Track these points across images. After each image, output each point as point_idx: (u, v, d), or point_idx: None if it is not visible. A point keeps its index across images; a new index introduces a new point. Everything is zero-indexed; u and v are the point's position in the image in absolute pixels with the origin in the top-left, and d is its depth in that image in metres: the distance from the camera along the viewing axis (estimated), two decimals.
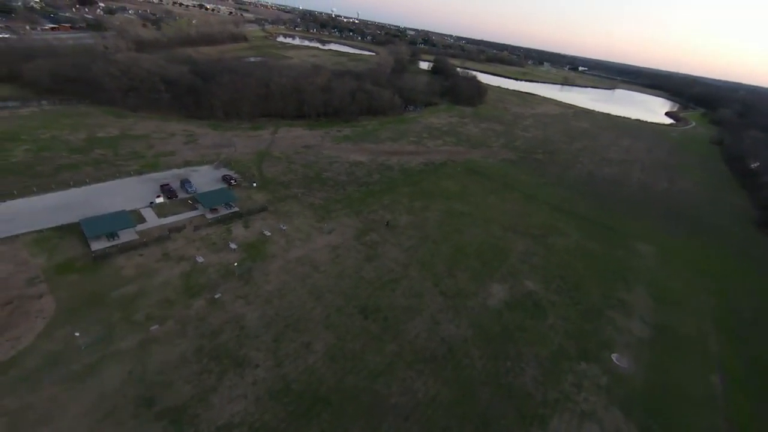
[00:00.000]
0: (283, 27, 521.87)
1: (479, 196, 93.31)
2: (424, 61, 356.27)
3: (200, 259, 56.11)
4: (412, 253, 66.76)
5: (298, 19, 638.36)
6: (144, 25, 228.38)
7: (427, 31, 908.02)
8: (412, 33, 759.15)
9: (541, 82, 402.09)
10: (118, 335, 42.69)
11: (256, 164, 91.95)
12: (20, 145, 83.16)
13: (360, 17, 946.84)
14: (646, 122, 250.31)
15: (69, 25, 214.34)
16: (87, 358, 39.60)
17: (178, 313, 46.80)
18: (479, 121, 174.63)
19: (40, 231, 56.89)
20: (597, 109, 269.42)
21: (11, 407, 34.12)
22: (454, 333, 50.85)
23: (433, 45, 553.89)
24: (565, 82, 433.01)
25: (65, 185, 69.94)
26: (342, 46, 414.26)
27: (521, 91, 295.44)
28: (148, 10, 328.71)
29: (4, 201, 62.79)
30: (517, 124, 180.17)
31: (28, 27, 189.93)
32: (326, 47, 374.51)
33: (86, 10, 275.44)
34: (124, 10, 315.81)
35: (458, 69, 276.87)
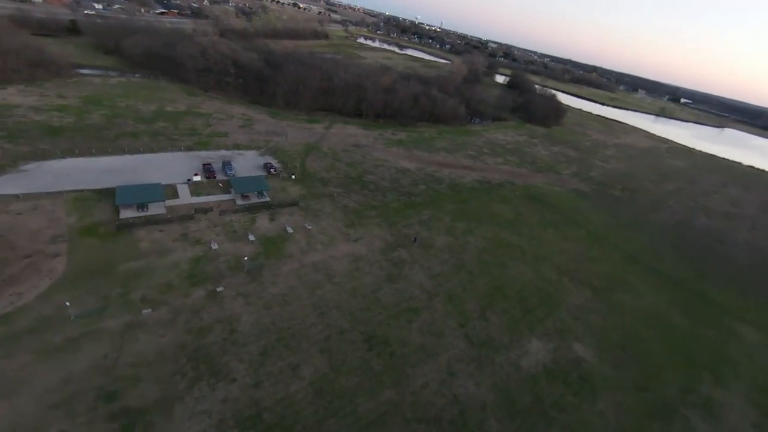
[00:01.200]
0: (365, 29, 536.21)
1: (535, 228, 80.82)
2: (501, 74, 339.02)
3: (215, 246, 53.46)
4: (442, 281, 57.97)
5: (382, 24, 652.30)
6: (237, 16, 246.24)
7: (510, 45, 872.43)
8: (494, 45, 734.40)
9: (632, 110, 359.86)
10: (110, 312, 40.66)
11: (301, 157, 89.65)
12: (100, 109, 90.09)
13: (443, 26, 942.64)
14: (763, 171, 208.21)
15: (176, 11, 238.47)
16: (71, 330, 37.81)
17: (174, 301, 43.90)
18: (551, 143, 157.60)
19: (82, 191, 58.77)
20: (698, 148, 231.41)
21: None
22: (471, 393, 41.40)
23: (514, 60, 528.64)
24: (662, 114, 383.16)
25: (120, 151, 73.07)
26: (419, 52, 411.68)
27: (606, 117, 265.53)
28: (246, 4, 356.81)
29: (65, 158, 66.73)
30: (595, 153, 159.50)
31: (142, 9, 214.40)
32: (402, 52, 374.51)
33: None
34: (226, 1, 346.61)
35: (537, 86, 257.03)
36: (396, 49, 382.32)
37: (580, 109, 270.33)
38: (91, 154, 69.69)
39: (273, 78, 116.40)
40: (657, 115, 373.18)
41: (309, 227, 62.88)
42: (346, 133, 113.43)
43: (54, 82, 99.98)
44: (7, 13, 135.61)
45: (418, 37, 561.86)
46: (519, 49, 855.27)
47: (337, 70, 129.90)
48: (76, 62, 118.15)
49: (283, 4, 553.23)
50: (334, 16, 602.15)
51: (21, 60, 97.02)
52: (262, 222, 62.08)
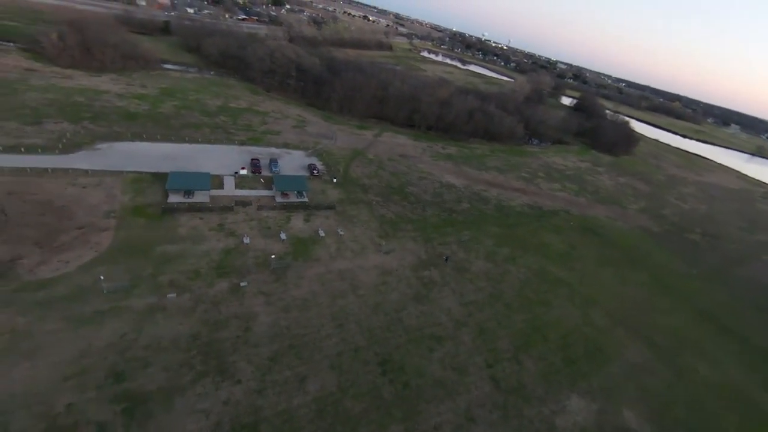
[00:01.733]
0: (430, 43, 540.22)
1: (589, 265, 71.97)
2: (569, 96, 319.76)
3: (246, 240, 53.80)
4: (474, 310, 52.87)
5: (447, 39, 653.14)
6: (309, 25, 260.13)
7: (581, 67, 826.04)
8: (563, 66, 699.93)
9: (721, 146, 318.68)
10: (138, 291, 41.84)
11: (346, 161, 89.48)
12: (172, 100, 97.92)
13: (510, 44, 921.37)
14: None
15: (255, 18, 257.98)
16: (100, 304, 39.26)
17: (198, 289, 44.24)
18: (618, 173, 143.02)
19: (141, 173, 62.95)
20: None
21: (17, 327, 34.86)
22: None
23: (585, 82, 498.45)
24: (759, 153, 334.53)
25: (182, 139, 78.04)
26: (481, 68, 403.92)
27: (688, 152, 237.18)
28: (320, 15, 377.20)
29: (133, 141, 72.54)
30: (670, 189, 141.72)
31: (226, 15, 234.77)
32: (464, 67, 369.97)
33: (273, 8, 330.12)
34: (302, 11, 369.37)
35: (608, 111, 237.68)
36: (458, 64, 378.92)
37: (657, 140, 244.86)
38: (156, 140, 75.11)
39: (331, 83, 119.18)
40: (752, 154, 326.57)
41: (341, 233, 61.37)
42: (394, 143, 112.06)
43: (140, 73, 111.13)
44: (115, 13, 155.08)
45: (482, 54, 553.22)
46: (591, 71, 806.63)
47: (393, 80, 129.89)
48: (162, 58, 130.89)
49: (353, 16, 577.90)
50: (401, 29, 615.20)
51: (117, 53, 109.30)
52: (297, 222, 61.80)
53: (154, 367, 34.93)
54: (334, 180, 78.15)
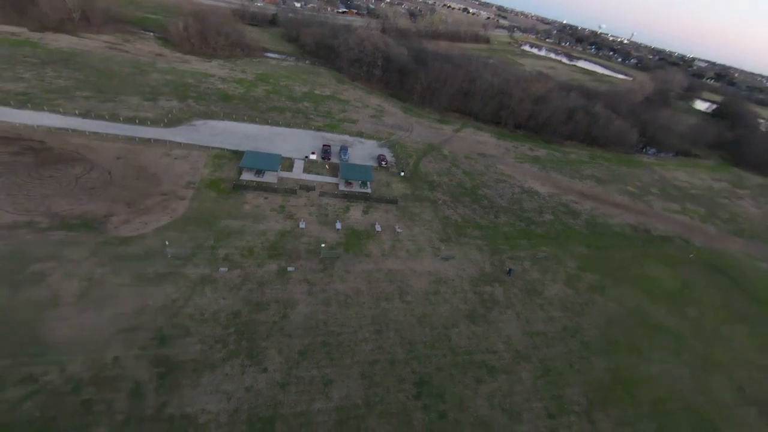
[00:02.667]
0: (533, 36, 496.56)
1: (710, 314, 55.63)
2: (707, 100, 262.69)
3: (302, 225, 53.27)
4: (540, 343, 44.17)
5: (554, 31, 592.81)
6: (405, 17, 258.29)
7: (728, 66, 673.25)
8: (702, 65, 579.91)
9: None
10: (196, 260, 43.82)
11: (418, 155, 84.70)
12: (265, 85, 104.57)
13: (633, 38, 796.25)
14: None
15: (354, 11, 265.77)
16: (163, 267, 41.91)
17: (248, 267, 44.71)
18: None
19: (223, 149, 67.43)
20: None
21: (94, 277, 38.80)
22: None
23: (732, 83, 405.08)
24: None
25: (264, 121, 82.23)
26: (593, 65, 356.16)
27: None
28: (418, 7, 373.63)
29: (223, 120, 78.57)
30: None
31: (328, 8, 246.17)
32: (571, 62, 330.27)
33: (373, 1, 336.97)
34: (401, 4, 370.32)
35: (762, 121, 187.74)
36: (564, 60, 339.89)
37: None
38: (243, 120, 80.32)
39: (415, 73, 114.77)
40: None
41: (399, 230, 57.25)
42: (475, 140, 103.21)
43: (244, 60, 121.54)
44: (233, 7, 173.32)
45: (596, 48, 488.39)
46: (742, 71, 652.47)
47: (483, 72, 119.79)
48: (265, 47, 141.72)
49: (452, 8, 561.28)
50: (502, 21, 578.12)
51: (227, 41, 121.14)
52: (355, 213, 59.57)
53: (193, 337, 35.68)
54: (402, 173, 74.17)
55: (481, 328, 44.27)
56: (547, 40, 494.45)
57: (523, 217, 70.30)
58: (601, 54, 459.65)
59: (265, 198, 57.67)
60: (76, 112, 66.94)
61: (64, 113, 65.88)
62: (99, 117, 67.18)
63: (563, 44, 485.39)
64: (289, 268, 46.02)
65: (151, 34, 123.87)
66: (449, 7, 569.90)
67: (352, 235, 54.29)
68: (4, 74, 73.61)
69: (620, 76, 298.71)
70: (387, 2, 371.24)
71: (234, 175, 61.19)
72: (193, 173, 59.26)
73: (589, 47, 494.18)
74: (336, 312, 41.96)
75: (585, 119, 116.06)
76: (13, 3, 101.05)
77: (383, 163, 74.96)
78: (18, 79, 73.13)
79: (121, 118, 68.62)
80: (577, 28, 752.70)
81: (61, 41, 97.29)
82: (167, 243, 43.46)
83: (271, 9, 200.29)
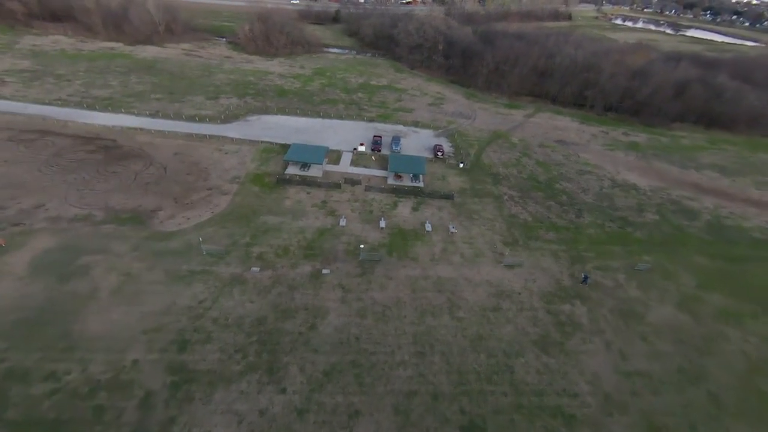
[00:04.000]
0: (626, 8, 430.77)
1: None
2: None
3: (343, 222, 48.18)
4: (642, 387, 32.55)
5: (654, 0, 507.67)
6: (473, 1, 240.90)
7: None
8: None
9: None
10: (229, 258, 41.42)
11: (480, 145, 74.29)
12: (321, 79, 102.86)
13: None
14: None
15: (418, 0, 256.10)
16: (197, 264, 40.18)
17: (281, 268, 40.96)
18: None
19: (272, 143, 65.91)
20: None
21: (132, 272, 38.33)
22: None
23: None
24: None
25: (316, 114, 79.61)
26: (709, 33, 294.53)
27: None
28: None
29: (276, 115, 77.81)
30: None
31: (391, 0, 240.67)
32: (678, 33, 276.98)
33: None
34: None
35: None
36: (669, 30, 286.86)
37: None
38: (295, 114, 78.69)
39: (481, 54, 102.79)
40: None
41: (454, 230, 48.88)
42: (551, 125, 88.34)
43: (304, 57, 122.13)
44: (298, 8, 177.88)
45: (712, 14, 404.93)
46: None
47: (563, 47, 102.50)
48: (326, 43, 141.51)
49: None
50: None
51: (288, 40, 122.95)
52: (403, 209, 52.71)
53: (213, 344, 32.63)
54: (461, 165, 65.01)
55: (555, 361, 34.25)
56: (645, 10, 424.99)
57: (616, 216, 56.18)
58: (719, 20, 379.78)
59: (308, 193, 53.99)
60: (147, 112, 71.37)
61: (137, 114, 70.61)
62: (165, 116, 70.71)
63: (667, 13, 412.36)
64: (324, 271, 41.19)
65: (223, 39, 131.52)
66: None
67: (398, 235, 47.58)
68: (97, 82, 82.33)
69: (749, 44, 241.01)
70: None
71: (279, 169, 58.85)
72: (240, 168, 58.26)
73: (703, 13, 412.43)
74: (371, 326, 35.83)
75: (702, 94, 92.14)
76: (112, 22, 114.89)
77: (439, 153, 66.63)
78: (106, 86, 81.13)
79: (184, 117, 71.41)
80: None
81: (148, 52, 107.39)
82: (201, 239, 41.74)
83: (334, 6, 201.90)
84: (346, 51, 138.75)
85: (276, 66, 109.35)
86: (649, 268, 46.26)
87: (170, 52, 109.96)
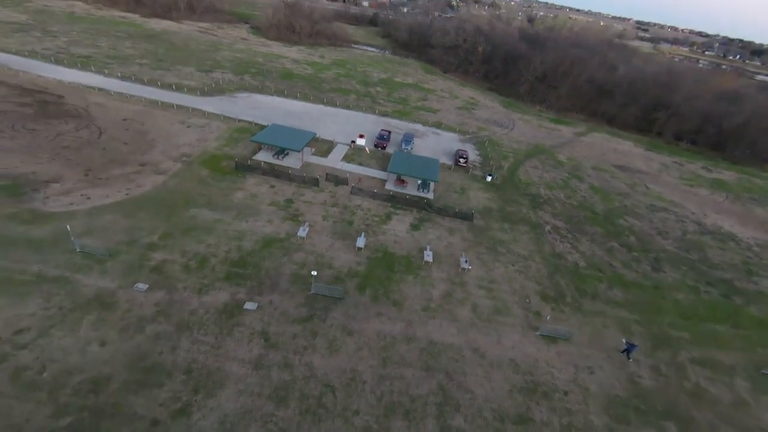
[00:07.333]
0: (685, 49, 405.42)
1: None
2: None
3: (302, 233, 32.68)
4: None
5: (716, 44, 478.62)
6: (521, 21, 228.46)
7: None
8: None
9: None
10: (107, 266, 26.76)
11: (517, 157, 57.77)
12: (339, 69, 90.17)
13: None
14: None
15: None
16: (55, 266, 25.73)
17: (182, 290, 25.84)
18: None
19: (251, 123, 52.38)
20: None
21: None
22: None
23: None
24: None
25: (319, 101, 66.11)
26: None
27: None
28: (538, 12, 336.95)
29: (272, 96, 64.92)
30: None
31: (436, 13, 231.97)
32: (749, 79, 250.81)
33: (486, 8, 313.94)
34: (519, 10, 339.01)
35: None
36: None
37: None
38: (294, 98, 65.51)
39: (526, 58, 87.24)
40: None
41: (467, 266, 32.19)
42: (609, 147, 70.56)
43: (328, 48, 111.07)
44: (335, 9, 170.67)
45: None
46: None
47: (630, 58, 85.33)
48: (355, 40, 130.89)
49: (574, 11, 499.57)
50: (641, 34, 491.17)
51: (314, 30, 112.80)
52: (398, 225, 36.75)
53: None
54: (489, 177, 48.62)
55: None
56: (707, 53, 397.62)
57: (714, 277, 37.66)
58: None
59: (272, 186, 39.26)
60: (119, 74, 60.24)
61: (108, 75, 59.58)
62: (138, 81, 59.30)
63: (731, 58, 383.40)
64: (248, 305, 25.63)
65: (247, 24, 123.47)
66: (574, 19, 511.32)
67: (381, 262, 31.52)
68: (85, 42, 73.15)
69: None
70: (501, 11, 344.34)
71: (248, 154, 44.82)
72: (196, 145, 44.65)
73: None
74: (289, 425, 19.58)
75: None
76: None
77: (462, 161, 50.63)
78: (93, 46, 71.68)
79: (159, 84, 59.66)
80: (752, 43, 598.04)
81: (161, 25, 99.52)
82: (69, 228, 27.37)
83: (373, 11, 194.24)
84: (376, 50, 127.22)
85: (293, 53, 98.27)
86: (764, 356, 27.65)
87: (185, 28, 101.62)
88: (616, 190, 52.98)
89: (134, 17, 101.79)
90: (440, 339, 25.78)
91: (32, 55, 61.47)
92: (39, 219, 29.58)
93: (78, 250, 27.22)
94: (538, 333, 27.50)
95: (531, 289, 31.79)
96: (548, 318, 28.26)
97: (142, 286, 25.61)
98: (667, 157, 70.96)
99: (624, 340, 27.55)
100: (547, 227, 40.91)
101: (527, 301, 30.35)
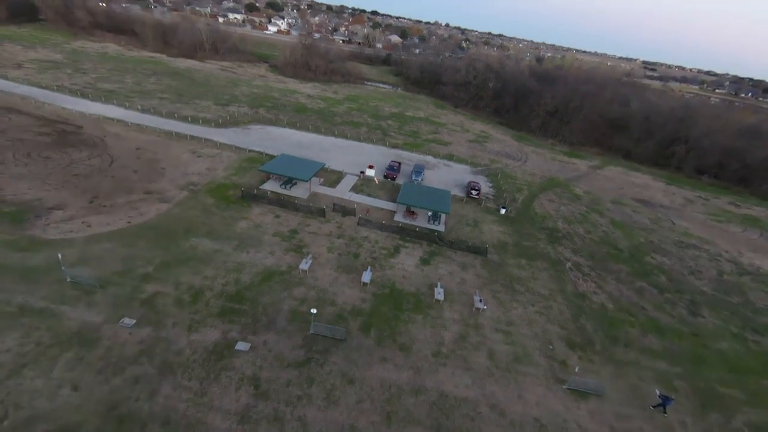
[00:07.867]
0: (695, 87, 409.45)
1: None
2: None
3: (305, 266, 30.78)
4: None
5: (727, 83, 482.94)
6: (529, 62, 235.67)
7: None
8: None
9: None
10: (101, 295, 25.20)
11: (532, 190, 55.88)
12: (351, 104, 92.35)
13: None
14: None
15: None
16: (41, 297, 24.26)
17: (166, 329, 23.83)
18: None
19: (262, 153, 52.50)
20: None
21: None
22: None
23: None
24: None
25: (330, 133, 66.72)
26: None
27: None
28: (550, 53, 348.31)
29: (284, 128, 65.87)
30: None
31: (447, 53, 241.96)
32: None
33: (495, 48, 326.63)
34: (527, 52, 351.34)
35: None
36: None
37: None
38: (306, 130, 66.33)
39: (537, 94, 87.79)
40: None
41: (482, 306, 29.41)
42: (626, 181, 68.20)
43: (341, 84, 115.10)
44: (350, 49, 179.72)
45: None
46: None
47: (642, 93, 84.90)
48: (368, 77, 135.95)
49: (580, 52, 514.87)
50: (649, 73, 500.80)
51: (329, 68, 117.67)
52: (407, 259, 34.56)
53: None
54: (503, 210, 46.56)
55: None
56: (717, 90, 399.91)
57: (760, 323, 33.65)
58: None
59: (276, 216, 38.05)
60: (139, 107, 62.42)
61: (128, 107, 61.76)
62: (157, 113, 61.14)
63: (743, 95, 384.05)
64: (240, 346, 23.35)
65: (266, 63, 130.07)
66: (581, 59, 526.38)
67: (387, 299, 29.10)
68: (112, 78, 77.15)
69: None
70: (509, 54, 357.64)
71: (255, 183, 44.27)
72: (205, 174, 44.44)
73: None
74: None
75: None
76: (161, 36, 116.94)
77: (474, 192, 49.00)
78: (119, 82, 75.41)
79: (176, 116, 61.38)
80: (762, 81, 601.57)
81: (186, 63, 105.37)
82: (60, 257, 26.16)
83: (386, 52, 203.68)
84: (388, 87, 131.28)
85: (308, 88, 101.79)
86: None
87: (207, 66, 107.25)
88: (639, 225, 50.01)
89: (161, 57, 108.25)
90: (453, 391, 22.69)
91: (60, 89, 64.61)
92: (35, 246, 28.66)
93: (69, 279, 25.87)
94: (565, 386, 24.12)
95: (554, 333, 28.61)
96: (577, 369, 24.90)
97: (128, 321, 23.77)
98: (689, 191, 67.98)
99: (657, 392, 23.93)
100: (568, 264, 38.02)
101: (550, 347, 27.15)
